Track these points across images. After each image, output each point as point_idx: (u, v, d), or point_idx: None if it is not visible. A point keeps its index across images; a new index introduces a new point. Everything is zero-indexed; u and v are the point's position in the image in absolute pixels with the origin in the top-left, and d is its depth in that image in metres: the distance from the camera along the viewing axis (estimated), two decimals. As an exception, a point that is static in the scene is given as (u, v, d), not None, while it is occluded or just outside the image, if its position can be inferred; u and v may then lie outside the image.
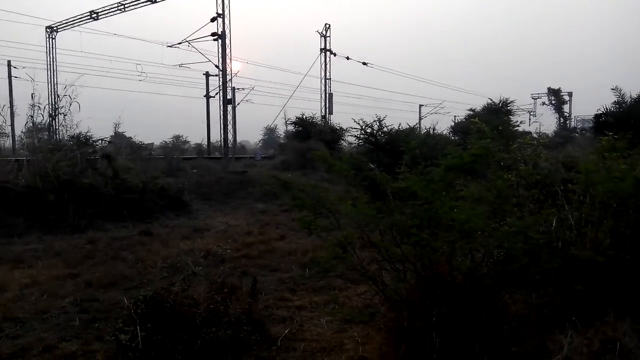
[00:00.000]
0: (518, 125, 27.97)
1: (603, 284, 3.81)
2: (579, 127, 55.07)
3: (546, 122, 63.30)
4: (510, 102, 38.58)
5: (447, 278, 3.82)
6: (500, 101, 38.21)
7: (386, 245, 4.07)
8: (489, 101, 39.09)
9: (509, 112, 37.26)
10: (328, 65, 34.81)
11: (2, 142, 14.78)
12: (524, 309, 3.95)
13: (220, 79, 24.71)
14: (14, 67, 34.33)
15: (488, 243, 3.95)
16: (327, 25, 34.25)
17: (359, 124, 18.07)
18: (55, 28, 31.69)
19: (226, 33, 23.59)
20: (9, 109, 16.18)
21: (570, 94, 62.86)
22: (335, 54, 34.92)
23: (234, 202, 14.72)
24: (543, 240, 3.83)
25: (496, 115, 29.48)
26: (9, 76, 34.69)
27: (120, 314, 4.14)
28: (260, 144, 61.68)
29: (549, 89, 62.63)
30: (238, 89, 39.34)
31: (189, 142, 43.79)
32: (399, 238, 4.01)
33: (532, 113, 63.64)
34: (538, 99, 64.36)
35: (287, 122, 33.90)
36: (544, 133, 45.25)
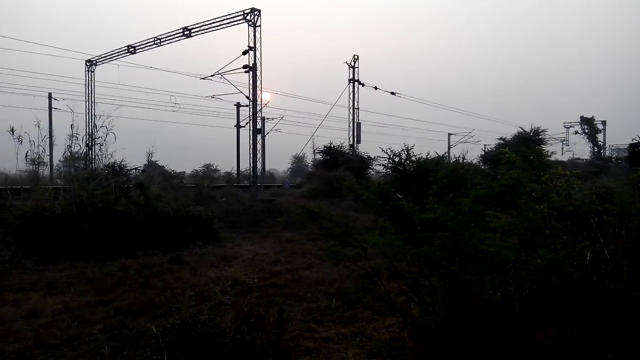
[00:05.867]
0: (549, 156, 27.55)
1: (642, 320, 3.66)
2: (613, 156, 53.73)
3: (579, 152, 61.96)
4: (542, 131, 38.08)
5: (477, 312, 3.73)
6: (532, 130, 37.75)
7: (414, 276, 4.02)
8: (520, 130, 38.61)
9: (541, 141, 36.75)
10: (356, 95, 35.16)
11: (41, 171, 15.25)
12: (558, 345, 3.81)
13: (251, 110, 25.23)
14: (55, 99, 35.85)
15: (520, 276, 3.85)
16: (356, 57, 34.76)
17: (387, 152, 18.14)
18: (94, 62, 33.14)
19: (257, 65, 24.19)
20: (48, 139, 16.76)
21: (604, 123, 61.71)
22: (363, 84, 35.29)
23: (261, 231, 14.77)
24: (577, 274, 3.72)
25: (527, 145, 29.10)
26: (50, 108, 36.18)
27: (149, 342, 4.16)
28: (289, 173, 62.18)
29: (582, 118, 61.64)
30: (267, 118, 40.14)
31: (219, 170, 44.48)
32: (427, 270, 3.96)
33: (564, 142, 62.52)
34: (571, 128, 63.29)
35: (315, 151, 34.29)
36: (576, 158, 44.14)
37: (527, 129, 38.13)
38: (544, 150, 32.03)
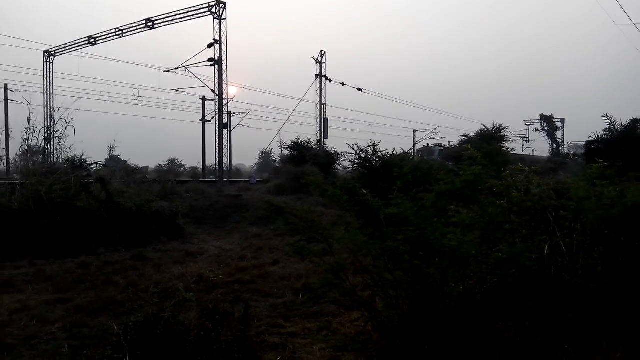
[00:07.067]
0: (510, 152, 28.34)
1: (595, 311, 3.81)
2: (571, 153, 55.61)
3: (539, 148, 63.95)
4: (503, 128, 39.02)
5: (439, 305, 3.81)
6: (494, 127, 38.63)
7: (379, 271, 4.07)
8: (482, 127, 39.49)
9: (502, 138, 37.67)
10: (323, 91, 35.14)
11: (-3, 165, 14.69)
12: (517, 336, 3.93)
13: (217, 104, 24.90)
14: (11, 91, 34.41)
15: (480, 270, 3.95)
16: (323, 52, 34.74)
17: (353, 148, 18.26)
18: (53, 52, 31.97)
19: (223, 59, 23.85)
20: (4, 132, 16.12)
21: (562, 121, 63.82)
22: (330, 80, 35.32)
23: (228, 226, 14.63)
24: (535, 267, 3.84)
25: (489, 142, 29.82)
26: (6, 99, 34.75)
27: (110, 341, 4.07)
28: (256, 168, 61.82)
29: (542, 116, 63.55)
30: (234, 113, 39.75)
31: (184, 165, 43.75)
32: (391, 264, 4.01)
33: (525, 139, 64.36)
34: (531, 125, 65.17)
35: (283, 146, 34.15)
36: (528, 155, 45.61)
37: (489, 126, 39.09)
38: (504, 147, 32.94)
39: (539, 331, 3.92)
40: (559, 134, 63.95)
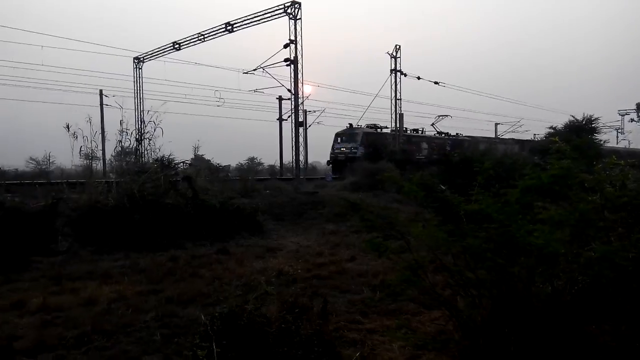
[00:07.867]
0: (602, 144, 26.43)
1: None
2: (674, 144, 50.83)
3: (636, 140, 59.01)
4: (595, 119, 36.45)
5: (525, 305, 3.64)
6: (584, 118, 36.21)
7: (459, 269, 3.96)
8: (572, 119, 37.13)
9: (594, 130, 35.23)
10: (398, 86, 34.72)
11: (95, 165, 15.91)
12: (612, 340, 3.68)
13: (293, 103, 25.41)
14: (105, 96, 37.18)
15: (571, 269, 3.73)
16: (397, 46, 34.29)
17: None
18: (141, 59, 34.17)
19: (298, 58, 24.30)
20: (100, 134, 17.44)
21: (662, 109, 58.41)
22: (405, 75, 34.79)
23: (305, 223, 14.86)
24: (632, 267, 3.56)
25: (578, 134, 28.00)
26: (101, 104, 37.55)
27: (198, 330, 4.29)
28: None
29: (638, 105, 58.60)
30: (309, 111, 40.34)
31: (262, 163, 45.06)
32: (473, 262, 3.89)
33: (619, 130, 59.75)
34: (626, 116, 60.35)
35: (358, 143, 34.06)
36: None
37: (579, 118, 36.66)
38: (596, 139, 30.79)
39: (638, 336, 3.64)
40: (659, 124, 58.66)
